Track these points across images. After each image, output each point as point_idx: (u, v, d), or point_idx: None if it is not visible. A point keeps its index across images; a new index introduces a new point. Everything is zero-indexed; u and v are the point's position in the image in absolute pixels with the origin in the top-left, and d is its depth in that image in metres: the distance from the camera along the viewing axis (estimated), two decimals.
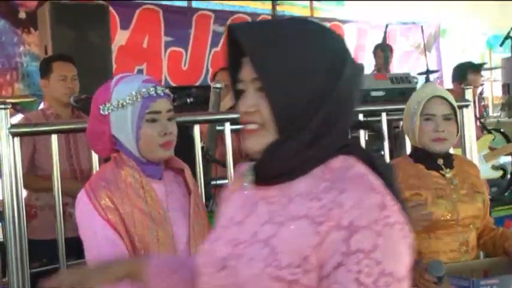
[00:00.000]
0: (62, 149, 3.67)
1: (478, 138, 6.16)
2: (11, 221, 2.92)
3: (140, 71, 7.89)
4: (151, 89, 2.23)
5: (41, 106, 4.40)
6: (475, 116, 6.49)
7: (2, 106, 2.95)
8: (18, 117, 7.15)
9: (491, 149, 6.30)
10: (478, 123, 6.40)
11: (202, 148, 3.42)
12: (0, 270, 3.51)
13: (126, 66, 7.41)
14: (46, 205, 3.93)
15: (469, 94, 4.13)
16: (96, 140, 2.30)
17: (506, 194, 6.81)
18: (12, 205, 2.93)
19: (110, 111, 2.22)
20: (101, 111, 2.23)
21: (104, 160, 2.61)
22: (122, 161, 2.26)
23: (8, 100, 7.00)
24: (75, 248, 3.05)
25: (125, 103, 2.20)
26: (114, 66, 6.82)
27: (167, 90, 2.29)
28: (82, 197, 2.21)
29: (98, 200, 2.17)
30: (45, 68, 4.27)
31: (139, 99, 2.20)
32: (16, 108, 7.30)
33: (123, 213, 2.18)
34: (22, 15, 7.07)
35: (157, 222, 2.20)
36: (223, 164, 3.61)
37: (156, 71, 7.98)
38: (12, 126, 2.98)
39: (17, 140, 2.97)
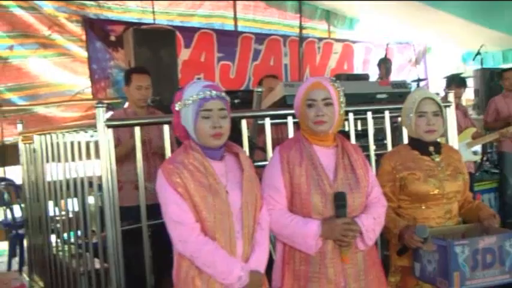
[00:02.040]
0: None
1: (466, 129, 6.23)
2: (107, 192, 2.96)
3: (199, 79, 7.94)
4: (207, 92, 2.25)
5: (125, 106, 4.41)
6: (466, 112, 6.51)
7: (100, 105, 2.99)
8: (108, 114, 7.27)
9: (473, 138, 6.28)
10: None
11: (248, 137, 3.42)
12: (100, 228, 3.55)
13: (188, 76, 7.48)
14: (128, 180, 3.95)
15: (451, 97, 4.09)
16: (176, 128, 2.35)
17: (477, 174, 6.79)
18: (107, 180, 2.97)
19: (180, 108, 2.28)
20: (175, 108, 2.29)
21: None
22: (189, 146, 2.29)
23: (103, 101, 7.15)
24: (151, 212, 3.11)
25: (188, 102, 2.24)
26: (180, 75, 6.88)
27: (223, 94, 2.30)
28: (159, 174, 2.24)
29: (170, 176, 2.20)
30: (127, 78, 4.28)
31: (197, 99, 2.23)
32: (108, 107, 7.39)
33: (188, 186, 2.19)
34: (112, 38, 7.19)
35: (214, 192, 2.21)
36: (263, 149, 3.60)
37: (211, 79, 7.99)
38: (107, 120, 3.01)
39: (110, 130, 3.00)
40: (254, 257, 2.29)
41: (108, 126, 2.98)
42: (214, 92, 2.26)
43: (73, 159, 3.55)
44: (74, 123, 5.90)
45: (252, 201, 2.31)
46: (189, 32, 7.92)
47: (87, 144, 3.33)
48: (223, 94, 2.31)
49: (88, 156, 3.34)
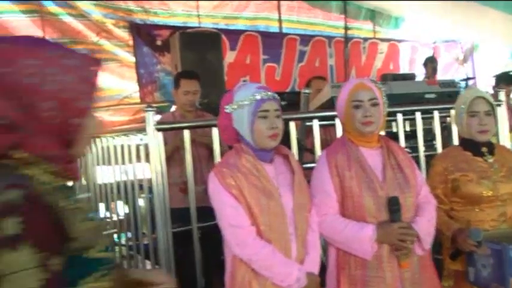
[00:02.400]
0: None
1: None
2: (158, 194, 2.99)
3: (244, 82, 7.98)
4: (263, 93, 2.24)
5: (172, 109, 4.45)
6: None
7: (150, 109, 3.02)
8: (157, 117, 7.37)
9: None
10: None
11: (296, 139, 3.41)
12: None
13: (234, 78, 7.49)
14: (174, 183, 3.98)
15: (502, 96, 4.00)
16: (223, 131, 2.34)
17: None
18: (158, 182, 3.00)
19: (232, 110, 2.26)
20: (226, 110, 2.27)
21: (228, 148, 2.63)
22: (241, 149, 2.28)
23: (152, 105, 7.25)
24: (199, 214, 3.14)
25: (243, 104, 2.23)
26: (225, 78, 6.90)
27: (275, 95, 2.29)
28: (212, 177, 2.24)
29: (224, 179, 2.19)
30: (176, 82, 4.31)
31: (253, 101, 2.22)
32: (156, 111, 7.49)
33: (242, 189, 2.18)
34: (158, 42, 7.27)
35: (268, 195, 2.20)
36: (312, 151, 3.58)
37: (257, 82, 8.00)
38: (157, 123, 3.04)
39: (160, 134, 3.03)
40: (309, 259, 2.27)
41: (158, 130, 3.01)
42: (270, 93, 2.26)
43: (123, 162, 3.61)
44: (124, 127, 5.99)
45: (303, 203, 2.30)
46: (234, 34, 7.93)
47: (137, 147, 3.37)
48: (275, 95, 2.31)
49: (138, 159, 3.39)
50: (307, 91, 3.89)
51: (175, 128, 3.35)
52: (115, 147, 3.74)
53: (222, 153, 2.95)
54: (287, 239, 2.22)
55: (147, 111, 3.03)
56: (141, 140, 3.30)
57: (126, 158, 3.56)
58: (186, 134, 3.13)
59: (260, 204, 2.18)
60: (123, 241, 4.17)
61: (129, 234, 3.89)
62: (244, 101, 2.23)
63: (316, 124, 3.42)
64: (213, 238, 3.25)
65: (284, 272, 2.18)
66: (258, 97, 2.22)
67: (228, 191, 2.17)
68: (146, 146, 3.10)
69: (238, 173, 2.20)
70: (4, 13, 6.69)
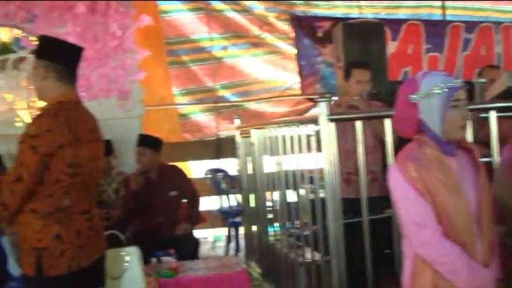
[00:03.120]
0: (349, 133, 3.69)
1: None
2: (330, 184, 2.97)
3: (406, 73, 7.76)
4: (454, 81, 2.11)
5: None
6: None
7: (323, 99, 3.00)
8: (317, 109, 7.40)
9: None
10: None
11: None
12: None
13: (395, 69, 7.31)
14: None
15: None
16: (402, 122, 2.22)
17: None
18: (330, 173, 2.98)
19: (419, 99, 2.12)
20: (412, 100, 2.15)
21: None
22: (424, 141, 2.15)
23: (310, 96, 7.29)
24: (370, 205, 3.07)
25: (432, 93, 2.10)
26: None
27: (464, 83, 2.16)
28: (394, 170, 2.14)
29: (408, 173, 2.09)
30: (347, 72, 4.24)
31: (444, 89, 2.09)
32: (314, 102, 7.53)
33: (427, 183, 2.05)
34: (320, 34, 7.29)
35: (453, 191, 2.07)
36: (487, 145, 3.36)
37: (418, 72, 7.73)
38: (330, 114, 3.01)
39: (332, 124, 3.00)
40: (495, 263, 2.12)
41: (331, 120, 2.99)
42: (460, 81, 2.13)
43: (292, 152, 3.64)
44: (295, 118, 6.08)
45: (487, 202, 2.15)
46: (395, 24, 7.72)
47: (308, 137, 3.37)
48: (464, 83, 2.17)
49: (308, 149, 3.39)
50: (482, 80, 3.66)
51: (347, 118, 3.31)
52: (283, 137, 3.78)
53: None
54: (472, 240, 2.08)
55: (320, 101, 3.00)
56: (314, 130, 3.29)
57: (294, 148, 3.58)
58: (359, 124, 3.08)
59: (446, 201, 2.05)
60: (289, 230, 4.23)
61: (296, 223, 3.92)
62: (434, 89, 2.10)
63: (493, 115, 3.21)
64: (377, 230, 3.20)
65: (469, 277, 2.04)
66: (450, 85, 2.09)
67: (413, 185, 2.06)
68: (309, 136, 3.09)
69: (422, 167, 2.08)
70: (173, 12, 7.08)
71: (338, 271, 3.01)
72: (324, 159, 2.99)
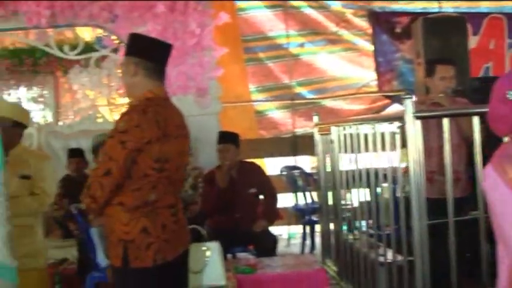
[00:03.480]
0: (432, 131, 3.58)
1: None
2: (415, 184, 2.89)
3: (487, 69, 7.47)
4: None
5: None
6: None
7: (408, 96, 2.92)
8: (394, 106, 7.27)
9: None
10: None
11: None
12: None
13: (476, 65, 7.04)
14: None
15: None
16: (496, 120, 2.12)
17: None
18: (415, 172, 2.89)
19: None
20: (508, 96, 2.04)
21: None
22: None
23: (387, 94, 7.16)
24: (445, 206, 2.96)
25: None
26: None
27: None
28: (489, 170, 2.05)
29: (506, 174, 1.99)
30: (430, 69, 4.11)
31: None
32: (392, 99, 7.39)
33: None
34: (398, 30, 7.14)
35: None
36: None
37: (500, 69, 7.44)
38: (416, 111, 2.91)
39: (418, 122, 2.92)
40: None
41: (417, 118, 2.90)
42: None
43: (374, 150, 3.55)
44: (378, 115, 5.99)
45: None
46: (477, 18, 7.46)
47: (393, 135, 3.28)
48: None
49: (392, 147, 3.30)
50: None
51: (434, 115, 3.20)
52: (366, 135, 3.70)
53: None
54: None
55: (405, 98, 2.92)
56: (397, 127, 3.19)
57: (377, 146, 3.50)
58: (446, 122, 2.97)
59: None
60: (367, 229, 4.15)
61: (377, 223, 3.84)
62: None
63: None
64: (459, 232, 3.07)
65: None
66: None
67: (510, 186, 1.97)
68: (402, 134, 3.00)
69: None
70: (251, 9, 7.10)
71: (422, 272, 2.92)
72: (409, 157, 2.90)
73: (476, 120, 2.94)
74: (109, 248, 2.49)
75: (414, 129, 2.89)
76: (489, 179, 2.04)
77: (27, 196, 3.34)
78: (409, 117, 2.89)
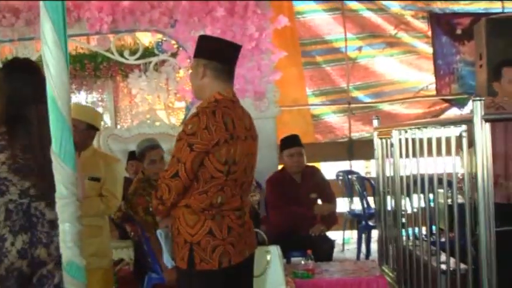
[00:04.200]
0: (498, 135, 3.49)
1: None
2: (483, 189, 2.82)
3: None
4: None
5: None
6: None
7: (478, 98, 2.84)
8: (453, 110, 7.13)
9: None
10: None
11: None
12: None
13: None
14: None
15: None
16: None
17: None
18: (483, 175, 2.82)
19: None
20: None
21: None
22: None
23: (446, 97, 7.01)
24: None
25: None
26: None
27: None
28: None
29: None
30: (496, 72, 4.01)
31: None
32: (451, 103, 7.25)
33: None
34: (458, 31, 7.00)
35: None
36: None
37: None
38: (485, 114, 2.84)
39: (488, 124, 2.84)
40: None
41: (486, 120, 2.82)
42: None
43: (438, 154, 3.48)
44: (437, 119, 5.91)
45: None
46: None
47: (459, 139, 3.20)
48: None
49: (457, 151, 3.23)
50: None
51: (504, 119, 3.12)
52: (429, 139, 3.63)
53: None
54: None
55: (474, 100, 2.85)
56: (464, 131, 3.12)
57: (440, 150, 3.42)
58: None
59: None
60: (426, 236, 4.07)
61: (436, 229, 3.76)
62: None
63: None
64: None
65: None
66: None
67: None
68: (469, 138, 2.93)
69: None
70: (308, 13, 7.10)
71: (488, 282, 2.84)
72: (478, 162, 2.83)
73: None
74: (175, 250, 2.52)
75: (483, 132, 2.82)
76: None
77: (96, 197, 3.42)
78: (477, 120, 2.82)
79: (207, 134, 2.37)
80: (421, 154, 3.75)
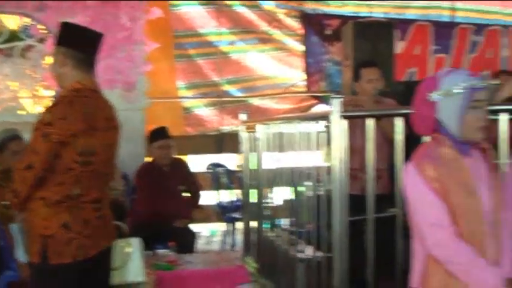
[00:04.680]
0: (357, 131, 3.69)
1: None
2: (339, 181, 2.97)
3: (411, 73, 7.76)
4: (478, 81, 2.09)
5: None
6: None
7: (338, 96, 2.99)
8: (320, 106, 7.41)
9: None
10: None
11: None
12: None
13: (400, 69, 7.27)
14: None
15: None
16: (420, 121, 2.20)
17: None
18: (339, 168, 2.98)
19: (437, 98, 2.10)
20: (431, 98, 2.12)
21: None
22: (441, 140, 2.14)
23: (315, 94, 7.28)
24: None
25: (452, 92, 2.07)
26: None
27: (487, 84, 2.14)
28: (410, 169, 2.12)
29: (423, 171, 2.07)
30: (356, 74, 4.24)
31: (467, 89, 2.07)
32: (319, 100, 7.54)
33: (444, 183, 2.05)
34: (328, 32, 7.30)
35: (469, 191, 2.07)
36: (495, 147, 3.34)
37: (424, 74, 7.75)
38: (343, 111, 2.99)
39: (345, 121, 3.00)
40: (507, 262, 2.11)
41: (344, 117, 2.98)
42: (483, 81, 2.11)
43: (299, 149, 3.62)
44: (304, 114, 6.08)
45: (499, 202, 2.14)
46: (404, 24, 7.75)
47: (318, 134, 3.36)
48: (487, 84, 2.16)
49: (317, 146, 3.38)
50: (496, 82, 3.64)
51: (360, 116, 3.30)
52: (289, 134, 3.76)
53: None
54: (484, 240, 2.07)
55: (333, 98, 2.99)
56: (325, 126, 3.26)
57: (302, 144, 3.57)
58: (369, 122, 3.07)
59: (461, 202, 2.05)
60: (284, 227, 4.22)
61: (296, 220, 3.92)
62: (455, 88, 2.07)
63: (504, 118, 3.19)
64: (378, 229, 3.18)
65: (484, 277, 2.03)
66: (473, 85, 2.07)
67: (429, 185, 2.04)
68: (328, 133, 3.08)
69: (439, 166, 2.07)
70: (183, 5, 7.07)
71: (340, 268, 3.00)
72: (334, 155, 2.98)
73: (399, 121, 3.04)
74: (28, 244, 2.43)
75: (340, 128, 2.97)
76: (409, 176, 2.12)
77: None
78: (335, 117, 2.96)
79: (64, 124, 2.30)
80: (286, 148, 3.88)
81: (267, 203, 4.64)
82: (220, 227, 6.60)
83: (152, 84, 5.86)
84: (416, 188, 2.08)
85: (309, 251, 3.59)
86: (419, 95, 2.16)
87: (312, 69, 7.40)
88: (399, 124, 3.03)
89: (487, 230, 2.08)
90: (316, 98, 7.58)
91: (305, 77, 7.46)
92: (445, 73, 2.14)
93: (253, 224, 4.92)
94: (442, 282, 2.08)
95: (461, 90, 2.06)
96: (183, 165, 5.03)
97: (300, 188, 3.78)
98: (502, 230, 2.14)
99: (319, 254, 3.43)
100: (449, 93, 2.07)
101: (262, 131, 4.48)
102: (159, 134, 4.81)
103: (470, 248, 2.03)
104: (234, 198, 6.48)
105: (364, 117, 3.22)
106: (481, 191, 2.09)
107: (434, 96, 2.10)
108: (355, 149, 3.69)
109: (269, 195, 4.58)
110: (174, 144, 4.84)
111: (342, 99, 2.98)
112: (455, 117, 2.07)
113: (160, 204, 4.67)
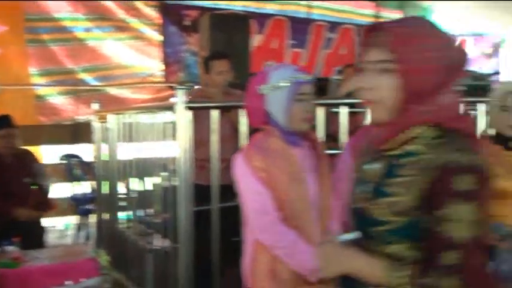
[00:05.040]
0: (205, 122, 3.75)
1: None
2: (183, 172, 3.01)
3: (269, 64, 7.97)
4: (302, 75, 2.22)
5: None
6: None
7: (183, 87, 3.01)
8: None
9: None
10: None
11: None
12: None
13: (258, 62, 7.46)
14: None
15: None
16: (251, 113, 2.31)
17: None
18: (183, 160, 3.01)
19: (267, 91, 2.22)
20: (260, 91, 2.23)
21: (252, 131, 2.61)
22: (270, 131, 2.25)
23: (173, 85, 7.25)
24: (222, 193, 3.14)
25: (279, 85, 2.19)
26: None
27: (311, 79, 2.27)
28: (240, 159, 2.21)
29: (251, 162, 2.18)
30: (206, 65, 4.27)
31: (292, 82, 2.19)
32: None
33: (270, 172, 2.16)
34: (187, 22, 7.30)
35: (295, 179, 2.19)
36: (335, 139, 3.56)
37: None
38: (189, 102, 3.02)
39: (189, 112, 3.03)
40: None
41: (189, 108, 3.01)
42: (308, 76, 2.24)
43: (150, 139, 3.62)
44: (152, 104, 6.01)
45: (328, 190, 2.29)
46: (262, 18, 7.96)
47: (164, 125, 3.38)
48: (311, 79, 2.29)
49: (165, 136, 3.40)
50: (337, 78, 3.87)
51: (204, 107, 3.35)
52: (139, 124, 3.75)
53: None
54: (310, 226, 2.21)
55: (177, 89, 3.01)
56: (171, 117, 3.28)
57: (153, 135, 3.57)
58: (214, 113, 3.13)
59: (287, 189, 2.17)
60: (140, 217, 4.20)
61: (147, 211, 3.92)
62: (282, 82, 2.19)
63: (344, 111, 3.41)
64: (226, 218, 3.27)
65: (306, 260, 2.15)
66: (298, 79, 2.19)
67: (256, 174, 2.15)
68: (174, 124, 3.10)
69: (267, 156, 2.18)
70: None
71: (185, 258, 3.05)
72: (179, 147, 3.01)
73: (243, 113, 3.13)
74: None
75: (185, 119, 3.00)
76: (237, 166, 2.22)
77: None
78: (180, 108, 2.99)
79: None
80: (137, 139, 3.86)
81: (120, 194, 4.59)
82: (75, 220, 6.41)
83: (1, 69, 5.55)
84: (245, 177, 2.18)
85: (157, 242, 3.61)
86: (251, 88, 2.26)
87: (170, 60, 7.39)
88: (243, 115, 3.12)
89: (313, 215, 2.22)
90: (172, 88, 7.54)
91: (163, 67, 7.42)
92: (274, 68, 2.26)
93: (106, 216, 4.85)
94: (269, 266, 2.20)
95: (287, 84, 2.18)
96: (29, 156, 4.80)
97: (154, 179, 3.77)
98: (330, 216, 2.29)
99: (167, 244, 3.46)
100: (277, 87, 2.19)
101: (113, 121, 4.42)
102: (0, 123, 4.55)
103: (293, 232, 2.16)
104: (88, 190, 6.32)
105: (209, 108, 3.28)
106: (307, 179, 2.23)
107: (263, 89, 2.21)
108: (204, 140, 3.74)
109: (123, 186, 4.53)
110: (18, 134, 4.59)
111: (187, 90, 3.01)
112: (282, 109, 2.19)
113: (1, 198, 4.44)
